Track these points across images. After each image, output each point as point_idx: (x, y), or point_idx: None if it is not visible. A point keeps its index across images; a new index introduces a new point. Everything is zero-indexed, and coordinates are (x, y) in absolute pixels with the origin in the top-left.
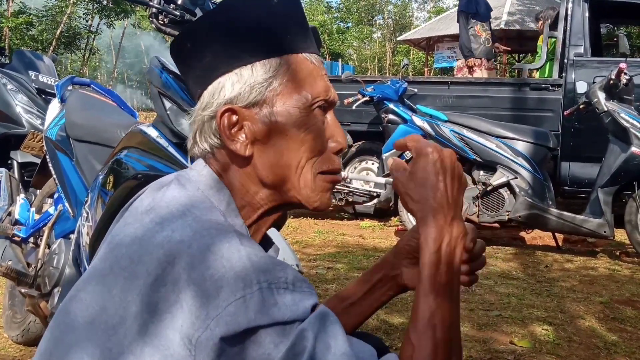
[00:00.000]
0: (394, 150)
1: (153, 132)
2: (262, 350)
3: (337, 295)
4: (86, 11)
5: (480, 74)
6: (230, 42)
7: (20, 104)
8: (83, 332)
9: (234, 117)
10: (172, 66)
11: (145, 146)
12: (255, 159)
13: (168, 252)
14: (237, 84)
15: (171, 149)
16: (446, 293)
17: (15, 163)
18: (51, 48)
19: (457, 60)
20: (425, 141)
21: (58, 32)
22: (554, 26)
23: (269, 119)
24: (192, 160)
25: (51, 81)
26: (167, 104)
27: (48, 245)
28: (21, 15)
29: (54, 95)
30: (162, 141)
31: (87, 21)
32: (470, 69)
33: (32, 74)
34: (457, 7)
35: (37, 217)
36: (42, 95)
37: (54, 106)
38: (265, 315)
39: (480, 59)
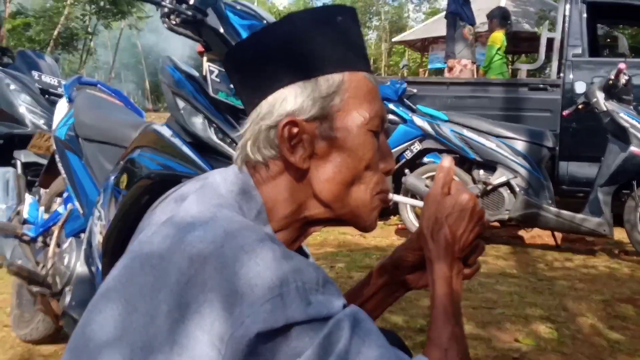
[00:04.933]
0: (395, 150)
1: (167, 132)
2: (294, 345)
3: None
4: (83, 12)
5: (465, 76)
6: (295, 55)
7: (23, 104)
8: (111, 333)
9: (295, 130)
10: (184, 65)
11: (159, 145)
12: (311, 173)
13: (200, 252)
14: (300, 96)
15: (185, 149)
16: (459, 315)
17: (18, 163)
18: (48, 49)
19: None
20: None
21: (55, 33)
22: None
23: (329, 134)
24: (212, 165)
25: (54, 81)
26: (181, 104)
27: (58, 245)
28: (19, 16)
29: (57, 95)
30: (176, 140)
31: (84, 22)
32: (451, 70)
33: (35, 74)
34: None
35: (46, 216)
36: (46, 95)
37: (62, 106)
38: (303, 313)
39: (465, 60)
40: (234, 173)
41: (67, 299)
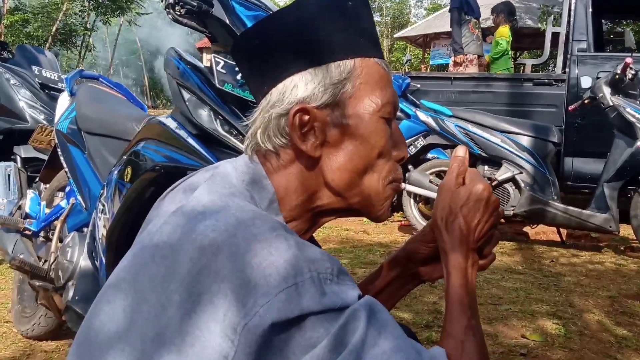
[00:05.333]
0: None
1: (172, 123)
2: (309, 335)
3: None
4: (82, 8)
5: (471, 70)
6: (305, 41)
7: (23, 99)
8: (121, 324)
9: (306, 117)
10: (189, 57)
11: (164, 137)
12: (323, 161)
13: (212, 242)
14: (311, 83)
15: (191, 140)
16: (474, 306)
17: (18, 158)
18: (47, 45)
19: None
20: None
21: (54, 29)
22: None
23: (340, 122)
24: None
25: (54, 76)
26: (186, 95)
27: (60, 239)
28: (17, 12)
29: (57, 90)
30: (181, 132)
31: (82, 18)
32: (459, 65)
33: (35, 68)
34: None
35: (47, 210)
36: (45, 90)
37: (64, 99)
38: (318, 303)
39: (472, 55)
40: (244, 162)
41: (70, 293)
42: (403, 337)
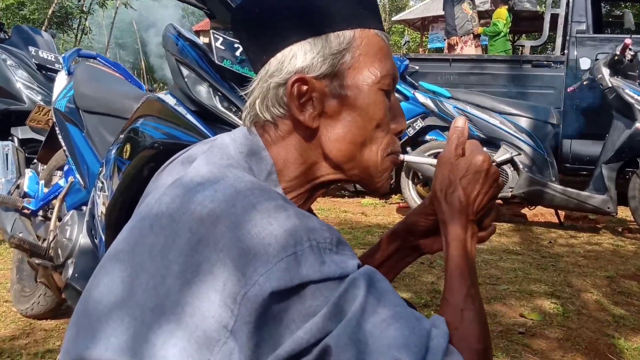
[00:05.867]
0: None
1: (171, 100)
2: (309, 304)
3: None
4: None
5: (468, 51)
6: (305, 10)
7: (20, 80)
8: (121, 295)
9: (304, 87)
10: (188, 33)
11: (163, 114)
12: (321, 132)
13: (211, 212)
14: (310, 53)
15: (190, 117)
16: (474, 276)
17: (16, 139)
18: (43, 28)
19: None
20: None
21: (50, 11)
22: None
23: (339, 92)
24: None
25: (51, 57)
26: (185, 72)
27: (59, 217)
28: None
29: (54, 71)
30: (181, 109)
31: (79, 1)
32: (453, 48)
33: (31, 49)
34: None
35: (46, 189)
36: (42, 71)
37: (62, 78)
38: (318, 272)
39: (465, 36)
40: (242, 134)
41: (70, 271)
42: (403, 305)
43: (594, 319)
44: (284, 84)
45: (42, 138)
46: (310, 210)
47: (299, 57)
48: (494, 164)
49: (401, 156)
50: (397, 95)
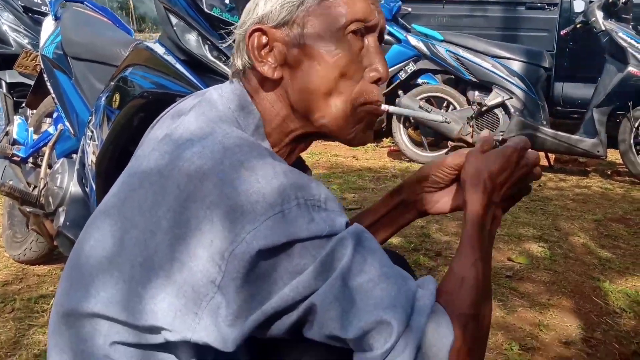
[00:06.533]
0: (389, 70)
1: (159, 49)
2: (296, 262)
3: (354, 217)
4: None
5: None
6: None
7: (6, 23)
8: (111, 249)
9: (264, 38)
10: None
11: (152, 63)
12: (286, 83)
13: (199, 169)
14: (270, 1)
15: (179, 66)
16: (485, 253)
17: (3, 83)
18: None
19: None
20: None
21: None
22: None
23: (299, 41)
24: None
25: None
26: (174, 20)
27: (49, 165)
28: None
29: (41, 14)
30: (170, 58)
31: None
32: None
33: None
34: None
35: (35, 137)
36: (29, 14)
37: (49, 23)
38: (305, 230)
39: None
40: (230, 89)
41: (62, 219)
42: (390, 265)
43: (581, 262)
44: (244, 35)
45: (31, 82)
46: (303, 163)
47: (260, 5)
48: (484, 108)
49: (384, 106)
50: (389, 37)
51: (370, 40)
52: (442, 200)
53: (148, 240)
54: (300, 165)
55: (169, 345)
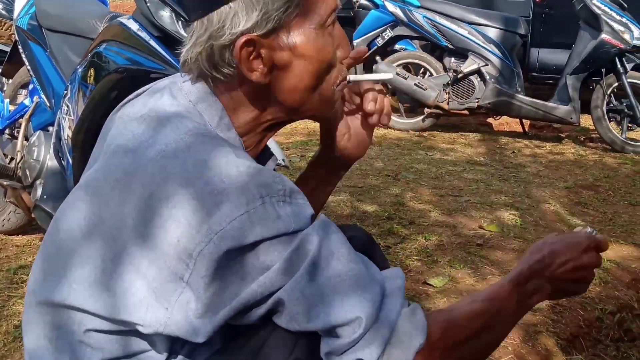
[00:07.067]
0: (366, 36)
1: (133, 25)
2: (262, 259)
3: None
4: None
5: None
6: None
7: None
8: (82, 242)
9: (252, 48)
10: None
11: (126, 39)
12: (274, 85)
13: (162, 168)
14: (253, 12)
15: (153, 43)
16: (507, 305)
17: None
18: None
19: None
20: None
21: None
22: None
23: (287, 44)
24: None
25: None
26: None
27: (26, 137)
28: None
29: None
30: (143, 34)
31: None
32: None
33: None
34: None
35: (11, 108)
36: None
37: None
38: (271, 229)
39: None
40: (187, 83)
41: (39, 192)
42: (356, 259)
43: (551, 229)
44: (230, 45)
45: (7, 49)
46: (266, 149)
47: (240, 17)
48: (460, 75)
49: (348, 77)
50: (366, 2)
51: (336, 23)
52: (360, 145)
53: (116, 237)
54: (266, 152)
55: (142, 334)
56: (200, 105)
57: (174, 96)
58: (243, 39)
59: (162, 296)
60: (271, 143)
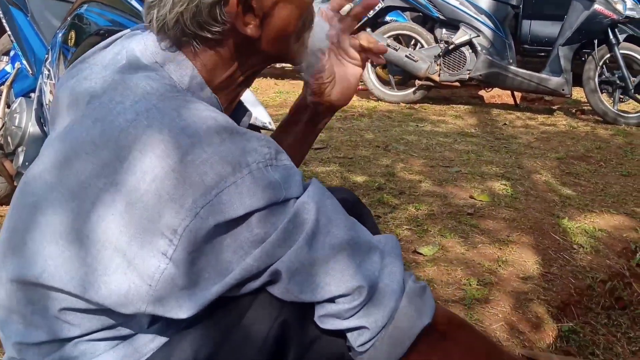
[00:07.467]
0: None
1: None
2: (256, 231)
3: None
4: None
5: None
6: None
7: None
8: (52, 216)
9: (246, 1)
10: None
11: (107, 0)
12: (262, 35)
13: (136, 139)
14: None
15: (134, 2)
16: None
17: None
18: None
19: None
20: None
21: None
22: None
23: None
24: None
25: None
26: None
27: (7, 104)
28: None
29: None
30: None
31: None
32: None
33: None
34: None
35: None
36: None
37: None
38: (261, 199)
39: None
40: (152, 42)
41: (21, 158)
42: (353, 226)
43: (541, 199)
44: (219, 2)
45: None
46: (241, 104)
47: None
48: (451, 46)
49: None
50: None
51: None
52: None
53: (90, 213)
54: (240, 108)
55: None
56: (168, 66)
57: (139, 57)
58: None
59: (145, 273)
60: (257, 105)
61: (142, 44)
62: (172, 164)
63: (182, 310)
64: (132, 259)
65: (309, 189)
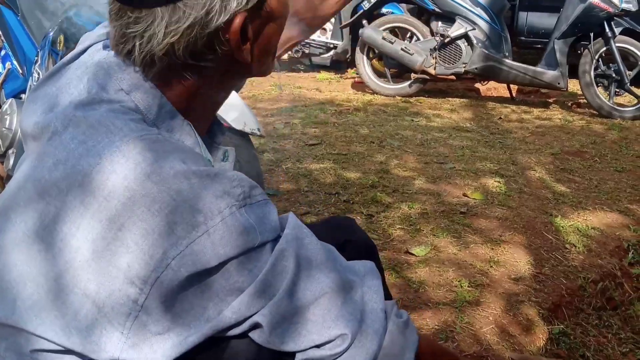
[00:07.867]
0: None
1: None
2: (233, 280)
3: None
4: None
5: None
6: None
7: None
8: (25, 258)
9: (243, 27)
10: None
11: (96, 3)
12: (252, 57)
13: (101, 185)
14: None
15: None
16: None
17: None
18: None
19: None
20: None
21: None
22: None
23: (266, 12)
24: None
25: None
26: None
27: None
28: None
29: None
30: None
31: None
32: None
33: None
34: None
35: None
36: None
37: None
38: (235, 247)
39: None
40: (118, 66)
41: (11, 161)
42: (333, 266)
43: (535, 197)
44: (215, 31)
45: None
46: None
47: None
48: (447, 39)
49: None
50: None
51: None
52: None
53: (57, 257)
54: (215, 122)
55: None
56: (135, 94)
57: (102, 84)
58: (238, 18)
59: (116, 320)
60: (246, 111)
61: (105, 68)
62: (139, 212)
63: (156, 356)
64: (102, 307)
65: (286, 231)
